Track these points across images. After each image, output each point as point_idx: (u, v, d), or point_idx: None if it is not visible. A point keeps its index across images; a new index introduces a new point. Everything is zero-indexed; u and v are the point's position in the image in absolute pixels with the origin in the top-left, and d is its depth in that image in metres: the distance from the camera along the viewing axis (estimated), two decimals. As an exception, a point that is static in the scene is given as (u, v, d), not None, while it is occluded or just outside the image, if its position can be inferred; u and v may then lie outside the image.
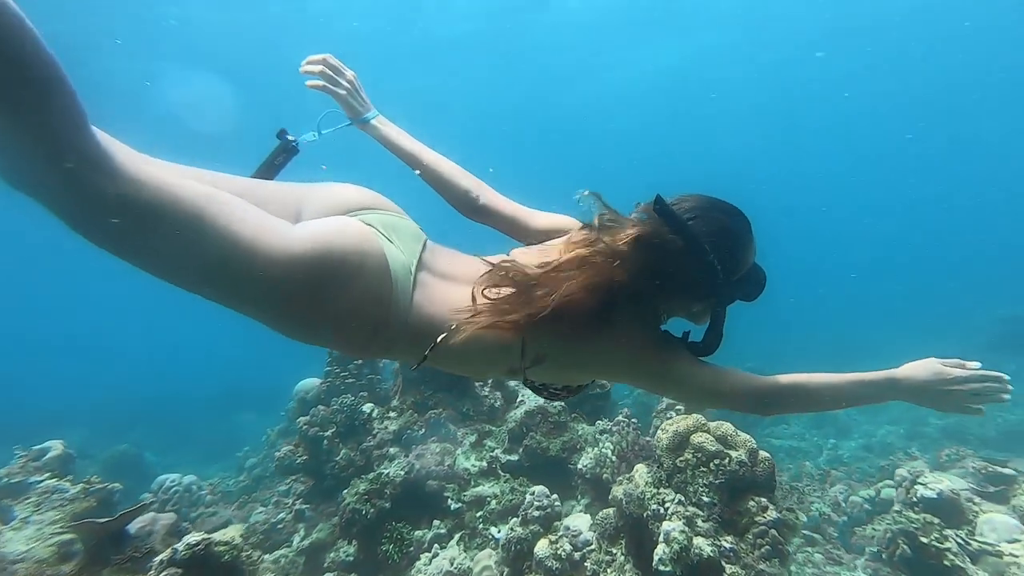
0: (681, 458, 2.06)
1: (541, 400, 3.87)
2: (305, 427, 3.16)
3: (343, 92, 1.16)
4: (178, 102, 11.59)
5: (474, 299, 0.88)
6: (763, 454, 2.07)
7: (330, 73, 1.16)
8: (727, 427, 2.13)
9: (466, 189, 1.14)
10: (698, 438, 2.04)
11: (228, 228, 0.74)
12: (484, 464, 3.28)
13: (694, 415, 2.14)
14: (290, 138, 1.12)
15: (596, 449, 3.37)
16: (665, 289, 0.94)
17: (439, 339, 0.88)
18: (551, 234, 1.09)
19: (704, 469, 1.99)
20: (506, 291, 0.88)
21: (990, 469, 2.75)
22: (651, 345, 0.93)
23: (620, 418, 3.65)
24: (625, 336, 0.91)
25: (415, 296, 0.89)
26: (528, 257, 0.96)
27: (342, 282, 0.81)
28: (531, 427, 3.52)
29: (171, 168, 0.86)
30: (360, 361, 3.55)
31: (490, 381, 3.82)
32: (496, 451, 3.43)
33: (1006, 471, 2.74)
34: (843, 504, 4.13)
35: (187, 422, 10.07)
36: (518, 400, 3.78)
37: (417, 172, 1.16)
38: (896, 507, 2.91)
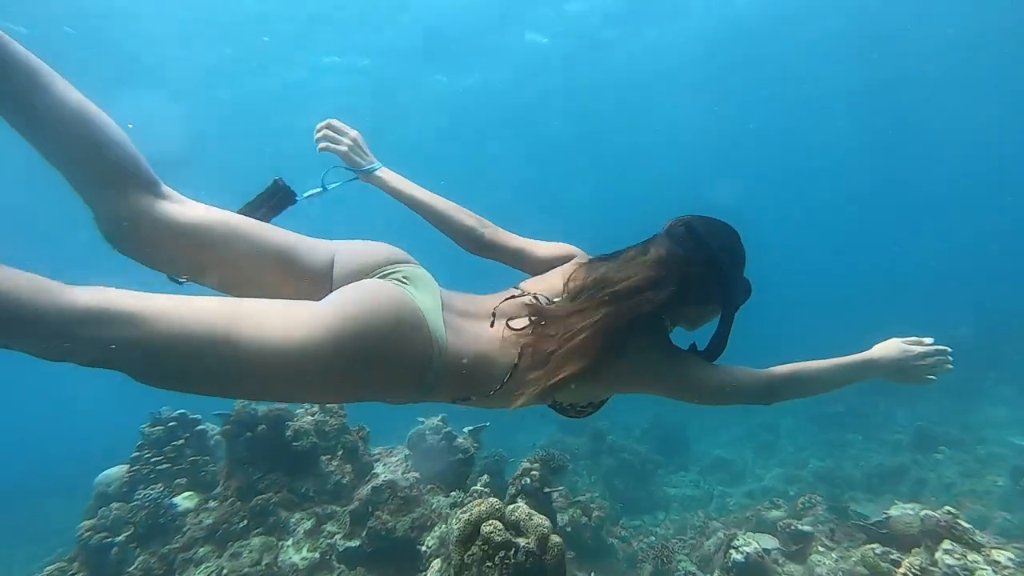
0: (470, 552, 1.95)
1: (395, 473, 3.66)
2: (88, 534, 2.69)
3: (344, 148, 1.26)
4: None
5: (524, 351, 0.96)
6: (554, 539, 2.01)
7: (333, 134, 1.27)
8: (521, 511, 2.07)
9: (471, 227, 1.21)
10: (488, 527, 1.96)
11: (257, 338, 0.76)
12: (317, 556, 2.97)
13: (489, 500, 2.06)
14: (291, 188, 1.13)
15: (444, 526, 3.19)
16: (684, 303, 1.04)
17: (500, 385, 0.96)
18: (554, 263, 1.17)
19: (490, 564, 1.90)
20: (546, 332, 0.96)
21: (792, 527, 2.89)
22: (669, 356, 1.02)
23: (477, 487, 3.52)
24: (644, 352, 0.99)
25: (449, 338, 0.94)
26: (542, 286, 1.08)
27: (389, 346, 0.85)
28: (378, 505, 3.28)
29: (207, 226, 0.93)
30: (182, 441, 3.18)
31: (339, 453, 3.57)
32: (336, 536, 3.13)
33: (804, 528, 2.89)
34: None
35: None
36: (370, 474, 3.54)
37: (423, 216, 1.23)
38: (716, 573, 2.96)
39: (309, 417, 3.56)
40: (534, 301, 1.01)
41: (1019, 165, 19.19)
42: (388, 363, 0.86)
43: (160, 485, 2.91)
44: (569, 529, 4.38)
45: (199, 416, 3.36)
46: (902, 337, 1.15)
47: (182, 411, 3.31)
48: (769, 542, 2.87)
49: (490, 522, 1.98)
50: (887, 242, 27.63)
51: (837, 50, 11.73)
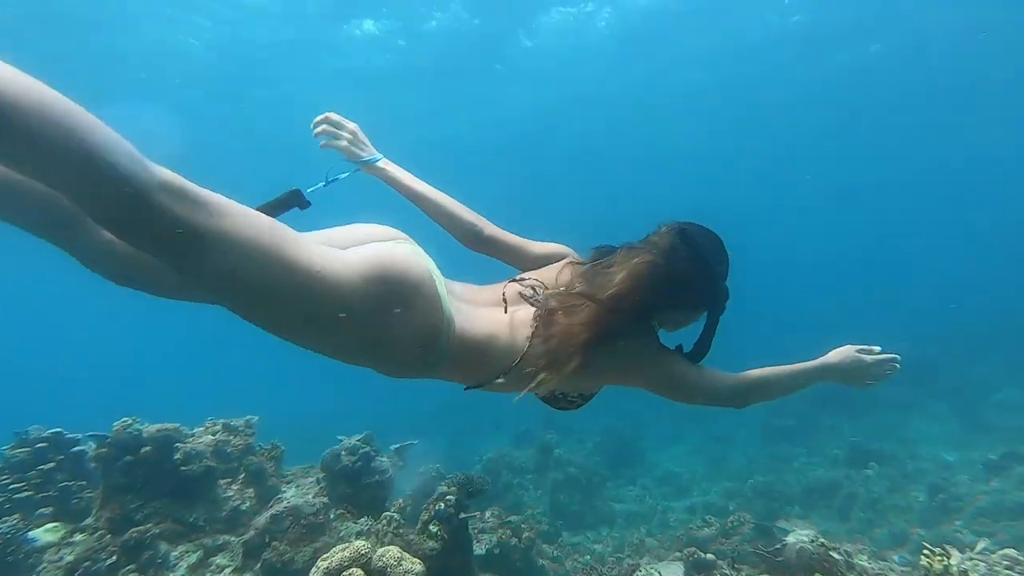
0: (329, 602, 1.78)
1: (305, 497, 3.44)
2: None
3: (343, 143, 1.27)
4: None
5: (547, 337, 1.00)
6: (426, 584, 1.87)
7: (331, 128, 1.28)
8: (391, 555, 1.91)
9: (470, 223, 1.23)
10: None
11: (299, 256, 0.81)
12: (199, 592, 2.73)
13: (355, 544, 1.90)
14: (307, 200, 1.11)
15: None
16: (673, 308, 1.12)
17: (508, 371, 1.01)
18: (548, 260, 1.22)
19: (348, 615, 1.73)
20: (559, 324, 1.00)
21: (695, 555, 2.84)
22: (657, 354, 1.08)
23: (389, 514, 3.33)
24: (634, 349, 1.06)
25: (457, 317, 0.98)
26: (543, 275, 1.14)
27: (404, 299, 0.90)
28: (277, 534, 3.05)
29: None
30: (52, 464, 2.88)
31: (241, 476, 3.33)
32: (226, 571, 2.89)
33: (707, 556, 2.85)
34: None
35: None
36: (274, 499, 3.31)
37: (422, 208, 1.25)
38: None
39: (209, 437, 3.30)
40: (535, 291, 1.08)
41: (963, 190, 20.39)
42: (401, 317, 0.90)
43: (16, 516, 2.60)
44: (497, 551, 4.23)
45: (78, 436, 3.07)
46: (854, 345, 1.24)
47: (57, 430, 3.01)
48: (674, 572, 2.80)
49: (351, 571, 1.82)
50: (832, 255, 28.72)
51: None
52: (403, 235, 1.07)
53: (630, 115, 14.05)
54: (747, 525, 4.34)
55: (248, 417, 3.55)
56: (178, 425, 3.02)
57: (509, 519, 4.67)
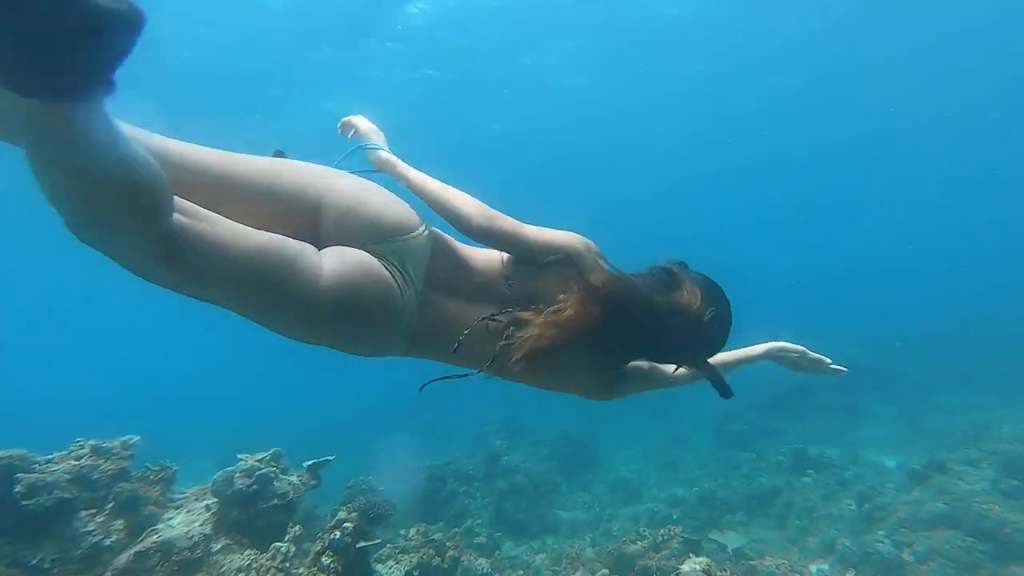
0: None
1: (190, 526, 3.12)
2: None
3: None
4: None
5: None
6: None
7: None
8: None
9: (468, 216, 1.18)
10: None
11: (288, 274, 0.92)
12: (37, 643, 2.41)
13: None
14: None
15: (219, 598, 2.71)
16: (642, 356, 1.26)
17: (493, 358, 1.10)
18: (551, 250, 1.18)
19: None
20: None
21: None
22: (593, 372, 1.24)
23: (279, 544, 3.06)
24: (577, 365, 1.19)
25: (416, 324, 1.10)
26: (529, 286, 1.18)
27: (360, 319, 1.02)
28: (141, 573, 2.74)
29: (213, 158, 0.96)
30: None
31: (110, 506, 2.99)
32: (76, 616, 2.58)
33: None
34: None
35: None
36: (148, 531, 2.99)
37: (424, 200, 1.23)
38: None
39: (71, 463, 2.95)
40: (511, 315, 1.11)
41: (913, 198, 21.09)
42: (354, 329, 1.03)
43: None
44: (417, 574, 4.02)
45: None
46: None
47: None
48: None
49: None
50: (782, 260, 29.32)
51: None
52: (405, 227, 1.09)
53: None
54: (676, 539, 4.23)
55: (126, 437, 3.20)
56: (24, 451, 2.67)
57: (434, 537, 4.45)
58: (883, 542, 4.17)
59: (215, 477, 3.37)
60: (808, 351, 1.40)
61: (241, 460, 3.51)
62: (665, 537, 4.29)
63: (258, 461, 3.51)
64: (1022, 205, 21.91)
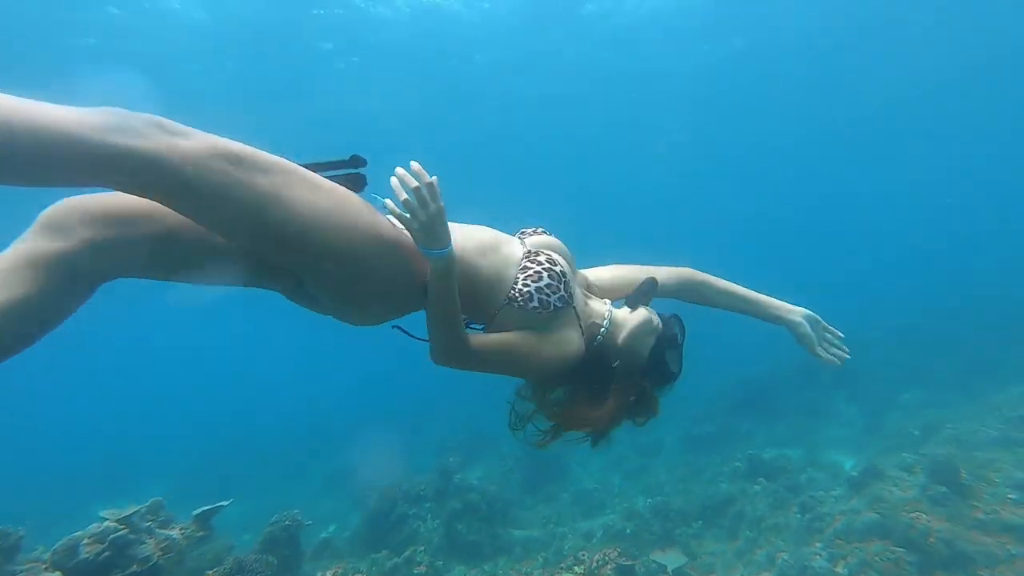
0: None
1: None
2: None
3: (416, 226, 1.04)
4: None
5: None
6: None
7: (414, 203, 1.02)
8: None
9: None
10: None
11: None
12: None
13: None
14: (363, 175, 1.12)
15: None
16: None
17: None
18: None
19: None
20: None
21: None
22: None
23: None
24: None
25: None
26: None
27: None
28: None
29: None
30: None
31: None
32: None
33: None
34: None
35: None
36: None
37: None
38: None
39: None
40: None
41: (879, 194, 21.35)
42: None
43: None
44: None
45: None
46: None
47: None
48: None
49: None
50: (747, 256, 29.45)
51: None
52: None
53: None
54: (611, 564, 4.10)
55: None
56: None
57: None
58: (820, 555, 4.09)
59: (56, 545, 2.99)
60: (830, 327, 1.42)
61: (105, 516, 3.14)
62: (600, 563, 4.17)
63: (124, 519, 3.12)
64: (986, 198, 22.33)
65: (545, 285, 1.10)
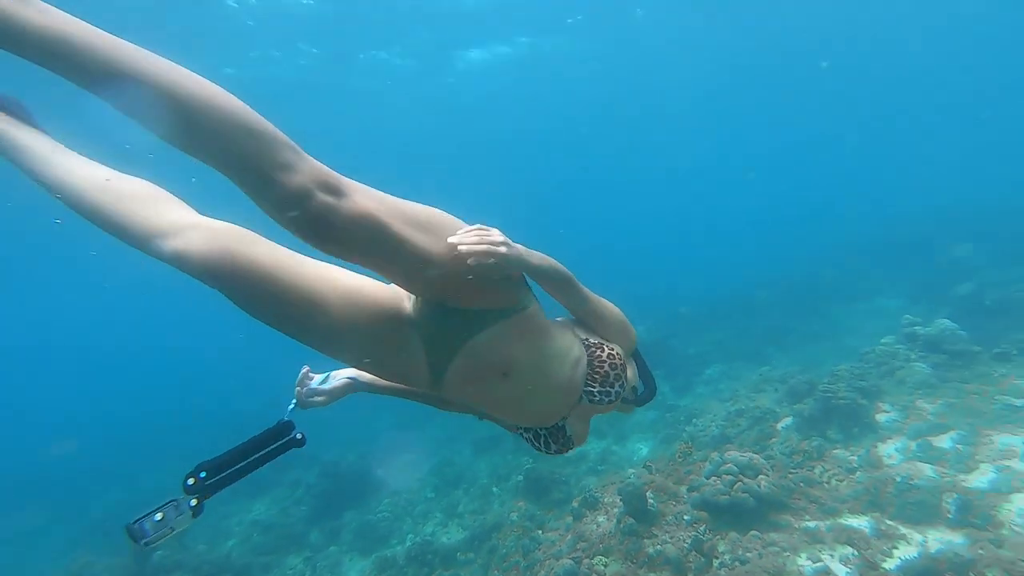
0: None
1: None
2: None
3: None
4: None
5: None
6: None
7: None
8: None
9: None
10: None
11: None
12: None
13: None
14: (298, 436, 1.13)
15: None
16: None
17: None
18: None
19: None
20: None
21: None
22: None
23: None
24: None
25: None
26: None
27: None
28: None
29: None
30: None
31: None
32: None
33: None
34: None
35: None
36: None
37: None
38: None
39: None
40: None
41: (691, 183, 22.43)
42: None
43: None
44: None
45: None
46: None
47: None
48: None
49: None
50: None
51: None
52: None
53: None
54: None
55: None
56: None
57: None
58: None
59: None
60: None
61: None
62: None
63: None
64: (790, 175, 24.37)
65: None
